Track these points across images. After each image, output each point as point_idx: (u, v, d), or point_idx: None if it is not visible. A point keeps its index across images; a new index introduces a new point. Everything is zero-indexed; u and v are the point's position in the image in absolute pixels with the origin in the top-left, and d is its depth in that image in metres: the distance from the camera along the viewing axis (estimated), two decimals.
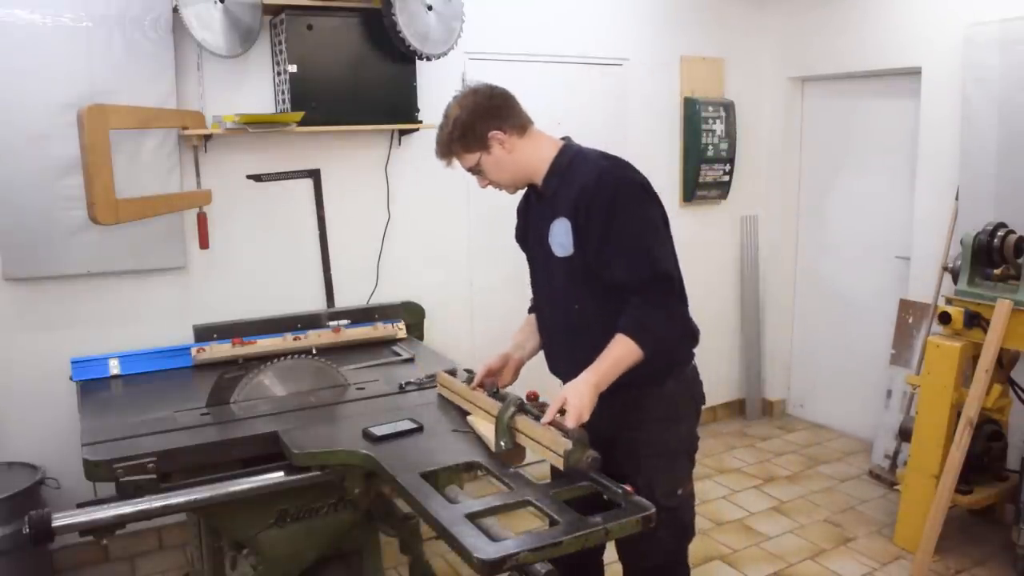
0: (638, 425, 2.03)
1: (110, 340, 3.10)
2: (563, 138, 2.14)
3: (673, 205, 4.49)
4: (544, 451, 1.78)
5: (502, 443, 1.88)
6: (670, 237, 2.06)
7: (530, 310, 2.37)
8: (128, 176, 2.92)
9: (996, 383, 3.17)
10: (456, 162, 2.11)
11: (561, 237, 2.03)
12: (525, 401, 1.95)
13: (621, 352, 1.90)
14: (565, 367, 2.18)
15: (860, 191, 4.50)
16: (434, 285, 3.83)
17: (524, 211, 2.27)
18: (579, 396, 1.82)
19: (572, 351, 2.11)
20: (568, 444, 1.71)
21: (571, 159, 2.06)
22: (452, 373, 2.41)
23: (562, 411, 1.82)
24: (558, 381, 2.25)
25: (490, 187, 2.16)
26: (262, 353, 2.94)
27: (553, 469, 1.98)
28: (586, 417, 1.81)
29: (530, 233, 2.21)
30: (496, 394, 2.08)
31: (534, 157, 2.07)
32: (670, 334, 2.00)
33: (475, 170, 2.10)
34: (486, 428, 2.00)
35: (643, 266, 1.94)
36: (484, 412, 2.08)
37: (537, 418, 1.86)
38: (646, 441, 2.04)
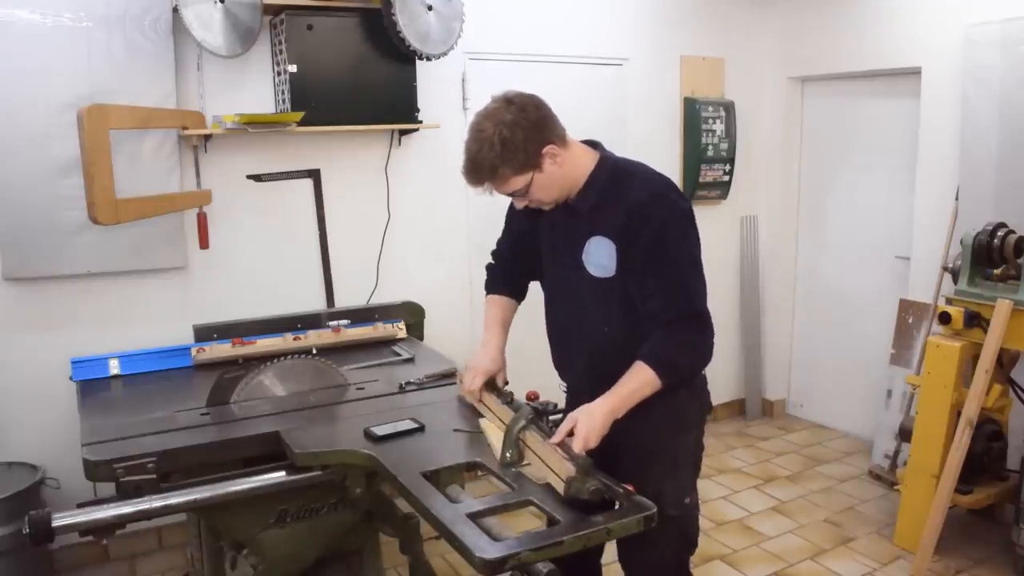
0: (646, 432, 1.97)
1: (110, 340, 3.09)
2: (587, 142, 2.04)
3: None
4: (547, 472, 1.75)
5: (507, 454, 1.86)
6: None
7: (488, 289, 2.31)
8: (128, 176, 2.92)
9: (996, 383, 3.16)
10: (490, 186, 1.91)
11: (603, 259, 1.95)
12: (538, 412, 1.91)
13: (640, 382, 1.87)
14: (577, 374, 2.16)
15: (860, 191, 4.50)
16: (434, 285, 3.83)
17: (534, 211, 2.10)
18: (590, 422, 1.79)
19: (592, 365, 2.07)
20: (572, 471, 1.66)
21: (611, 174, 1.96)
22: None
23: (571, 432, 1.80)
24: (558, 381, 2.25)
25: (474, 188, 1.97)
26: (262, 353, 2.93)
27: None
28: (593, 443, 1.78)
29: (547, 239, 2.12)
30: (511, 403, 2.01)
31: (578, 168, 1.95)
32: (691, 368, 1.98)
33: (520, 192, 1.92)
34: (496, 437, 1.97)
35: (679, 302, 1.90)
36: (498, 419, 2.05)
37: (547, 434, 1.84)
38: (654, 449, 1.99)
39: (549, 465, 1.76)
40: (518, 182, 1.88)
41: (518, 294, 2.33)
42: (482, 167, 1.86)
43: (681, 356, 1.91)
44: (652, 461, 1.98)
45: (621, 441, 1.91)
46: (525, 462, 1.86)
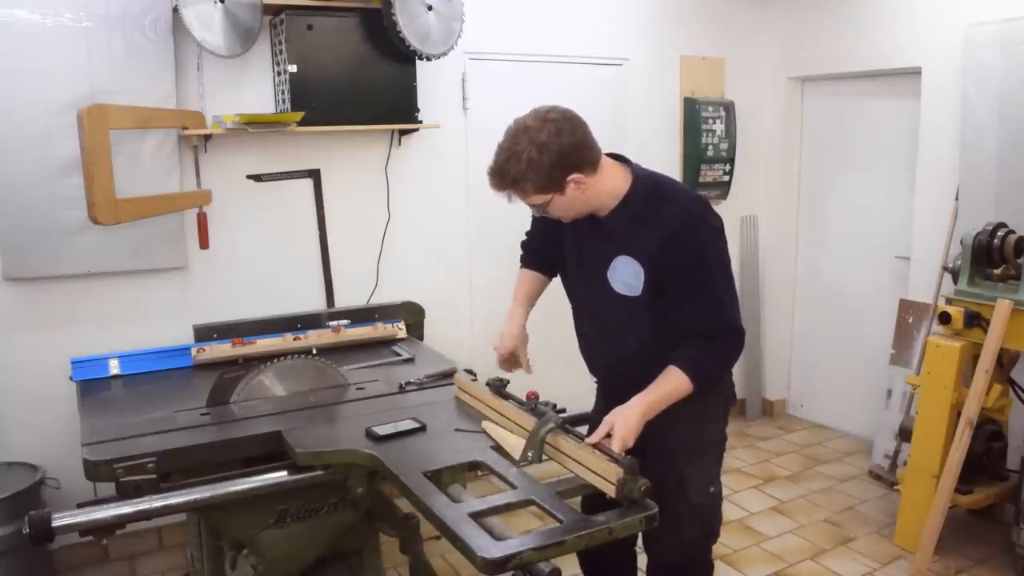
0: (670, 423, 1.97)
1: (110, 340, 3.09)
2: (613, 155, 2.03)
3: None
4: (591, 475, 1.74)
5: (529, 454, 1.86)
6: None
7: (522, 262, 2.37)
8: (128, 176, 2.92)
9: (996, 383, 3.16)
10: (510, 193, 1.95)
11: (629, 278, 1.99)
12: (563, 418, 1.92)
13: (673, 387, 1.92)
14: (605, 377, 2.25)
15: (860, 191, 4.50)
16: (434, 285, 3.82)
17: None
18: (627, 423, 1.83)
19: (616, 373, 2.15)
20: (620, 472, 1.66)
21: (645, 194, 1.98)
22: (472, 374, 2.39)
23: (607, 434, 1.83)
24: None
25: (496, 192, 2.01)
26: (262, 353, 2.93)
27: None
28: (630, 444, 1.81)
29: (573, 251, 2.15)
30: (535, 409, 2.01)
31: (604, 192, 1.97)
32: (721, 377, 2.10)
33: (539, 207, 1.96)
34: (512, 438, 1.97)
35: (718, 321, 1.96)
36: (511, 422, 2.05)
37: (578, 439, 1.85)
38: (678, 438, 2.03)
39: (589, 467, 1.75)
40: (538, 199, 1.92)
41: (549, 270, 2.36)
42: (506, 177, 1.89)
43: (715, 367, 2.01)
44: (676, 451, 2.04)
45: (645, 433, 1.93)
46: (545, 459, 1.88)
